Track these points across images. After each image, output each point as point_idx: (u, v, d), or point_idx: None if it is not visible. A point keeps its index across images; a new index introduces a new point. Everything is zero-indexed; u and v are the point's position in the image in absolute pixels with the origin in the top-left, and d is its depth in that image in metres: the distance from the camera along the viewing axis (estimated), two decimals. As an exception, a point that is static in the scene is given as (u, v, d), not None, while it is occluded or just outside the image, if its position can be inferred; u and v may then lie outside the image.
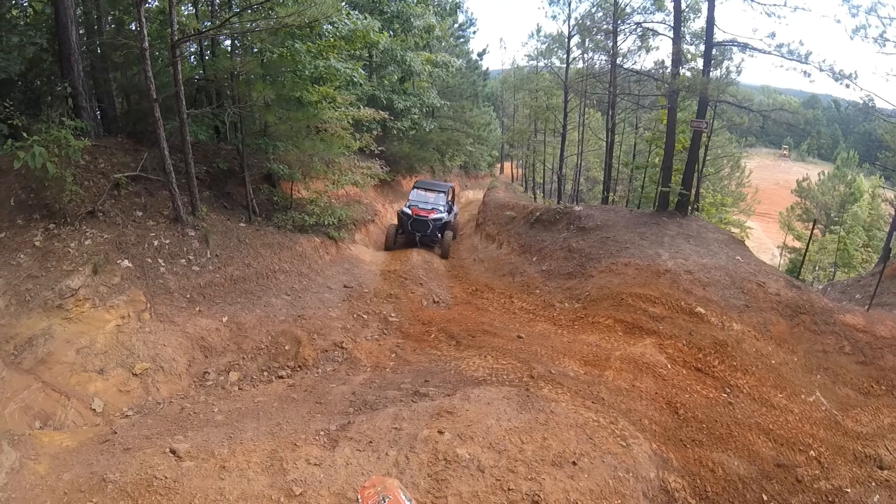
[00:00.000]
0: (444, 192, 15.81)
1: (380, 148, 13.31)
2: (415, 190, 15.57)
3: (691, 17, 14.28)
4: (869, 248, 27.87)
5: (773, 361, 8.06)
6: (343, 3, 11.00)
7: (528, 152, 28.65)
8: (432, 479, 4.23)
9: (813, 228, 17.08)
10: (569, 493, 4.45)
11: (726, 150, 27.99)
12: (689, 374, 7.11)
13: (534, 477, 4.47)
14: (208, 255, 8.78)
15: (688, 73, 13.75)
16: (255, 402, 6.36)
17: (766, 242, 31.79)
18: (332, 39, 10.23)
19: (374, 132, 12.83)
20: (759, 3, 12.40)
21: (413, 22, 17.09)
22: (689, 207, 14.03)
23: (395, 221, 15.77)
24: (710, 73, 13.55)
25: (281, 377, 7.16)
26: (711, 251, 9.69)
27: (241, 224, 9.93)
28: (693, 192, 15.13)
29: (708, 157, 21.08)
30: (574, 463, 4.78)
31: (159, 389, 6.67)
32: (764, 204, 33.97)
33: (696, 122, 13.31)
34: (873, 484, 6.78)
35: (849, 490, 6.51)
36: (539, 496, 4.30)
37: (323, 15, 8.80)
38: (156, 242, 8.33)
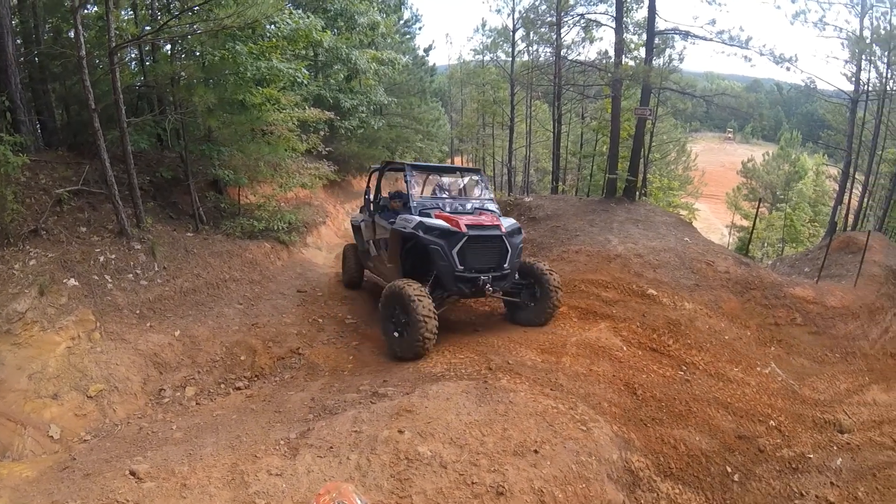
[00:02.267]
0: (478, 176, 9.29)
1: (328, 148, 13.12)
2: (411, 174, 8.25)
3: (634, 7, 14.67)
4: (816, 223, 29.18)
5: (726, 337, 8.30)
6: (286, 3, 10.82)
7: (478, 146, 28.87)
8: (395, 479, 4.20)
9: (759, 207, 17.70)
10: (532, 481, 4.48)
11: (672, 135, 28.81)
12: (645, 354, 7.25)
13: (497, 468, 4.48)
14: (156, 269, 8.54)
15: (631, 63, 14.10)
16: (213, 416, 6.22)
17: (715, 223, 32.91)
18: (273, 40, 10.05)
19: (322, 132, 12.68)
20: (698, -11, 12.80)
21: (357, 19, 16.92)
22: (637, 193, 14.39)
23: (350, 233, 11.48)
24: (653, 62, 13.90)
25: (238, 388, 7.02)
26: (660, 234, 9.95)
27: (189, 234, 9.67)
28: (640, 177, 15.51)
29: (654, 143, 21.63)
30: (536, 451, 4.80)
31: (116, 411, 6.49)
32: (711, 186, 35.14)
33: (640, 110, 13.65)
34: (835, 448, 7.10)
35: (811, 456, 6.77)
36: (503, 487, 4.31)
37: (263, 15, 8.65)
38: (101, 258, 8.06)
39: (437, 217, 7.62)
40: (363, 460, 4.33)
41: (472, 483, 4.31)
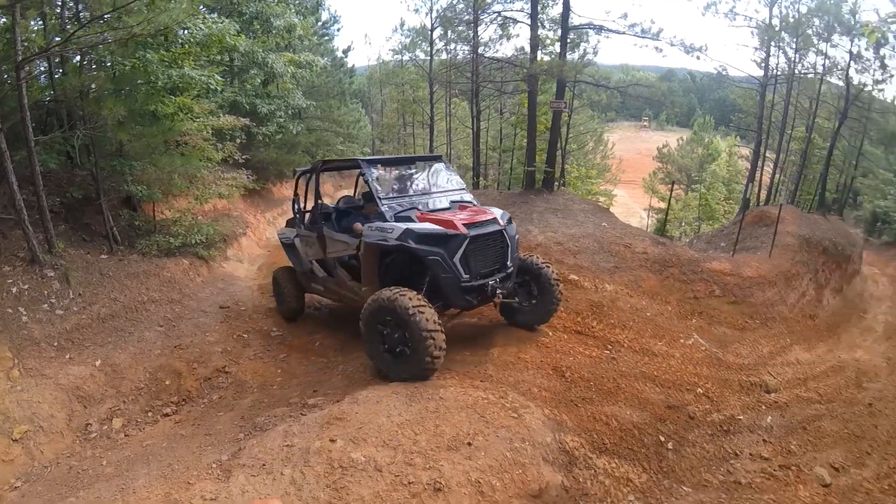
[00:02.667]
0: (442, 164, 8.11)
1: (245, 156, 12.76)
2: (371, 171, 7.05)
3: (549, 4, 15.04)
4: (730, 201, 31.12)
5: (648, 314, 8.68)
6: (199, 7, 10.42)
7: (399, 146, 28.86)
8: (331, 489, 4.17)
9: (672, 189, 18.50)
10: (469, 473, 4.54)
11: (589, 126, 29.87)
12: (571, 338, 7.49)
13: (432, 465, 4.52)
14: (71, 296, 8.07)
15: (546, 58, 14.49)
16: (143, 446, 5.99)
17: (634, 207, 34.32)
18: (186, 46, 9.65)
19: (238, 140, 12.32)
20: (608, -17, 13.37)
21: (273, 22, 16.50)
22: (556, 183, 14.81)
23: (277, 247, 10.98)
24: (568, 56, 14.34)
25: (167, 415, 6.76)
26: (578, 221, 10.31)
27: (103, 256, 9.18)
28: (558, 168, 16.00)
29: (571, 135, 22.33)
30: (469, 444, 4.86)
31: (43, 452, 6.11)
32: (629, 172, 36.67)
33: (556, 103, 14.04)
34: (763, 407, 7.53)
35: (741, 417, 7.14)
36: (440, 483, 4.35)
37: (175, 21, 8.32)
38: (14, 289, 7.59)
39: (423, 220, 6.44)
40: (297, 474, 4.28)
41: (409, 483, 4.32)
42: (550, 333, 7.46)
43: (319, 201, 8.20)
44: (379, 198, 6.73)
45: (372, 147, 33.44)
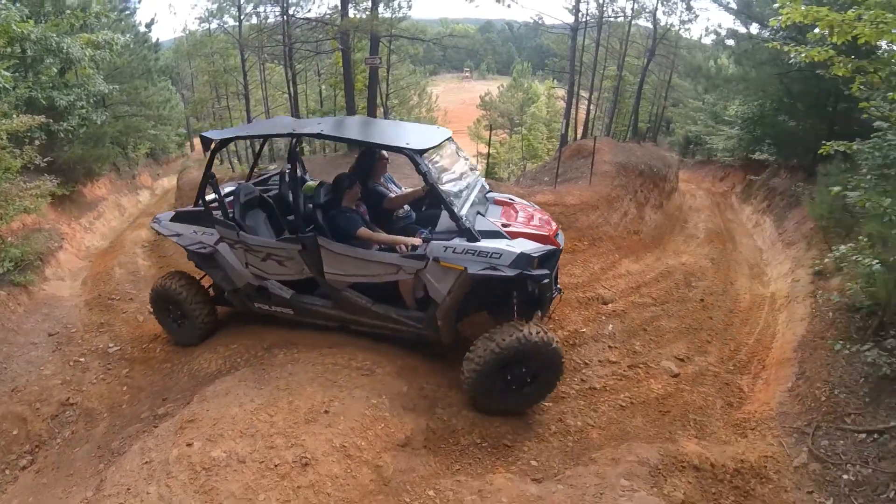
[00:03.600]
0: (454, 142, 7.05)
1: (47, 159, 11.45)
2: (425, 163, 5.64)
3: None
4: (553, 139, 33.48)
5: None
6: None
7: (215, 122, 27.31)
8: (200, 493, 4.24)
9: (491, 134, 19.50)
10: (332, 440, 4.74)
11: (410, 80, 30.12)
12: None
13: (294, 443, 4.67)
14: None
15: (361, 15, 14.49)
16: (8, 510, 5.56)
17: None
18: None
19: (37, 141, 11.08)
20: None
21: (66, 1, 14.75)
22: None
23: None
24: (384, 12, 14.49)
25: (24, 468, 6.26)
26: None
27: None
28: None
29: (391, 91, 22.56)
30: (326, 412, 5.05)
31: None
32: (454, 122, 37.85)
33: (370, 59, 14.28)
34: (603, 317, 8.42)
35: (584, 330, 7.96)
36: (306, 457, 4.54)
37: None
38: None
39: (515, 235, 5.69)
40: (163, 489, 4.29)
41: (276, 465, 4.46)
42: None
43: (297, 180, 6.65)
44: (453, 209, 5.54)
45: (187, 127, 31.16)
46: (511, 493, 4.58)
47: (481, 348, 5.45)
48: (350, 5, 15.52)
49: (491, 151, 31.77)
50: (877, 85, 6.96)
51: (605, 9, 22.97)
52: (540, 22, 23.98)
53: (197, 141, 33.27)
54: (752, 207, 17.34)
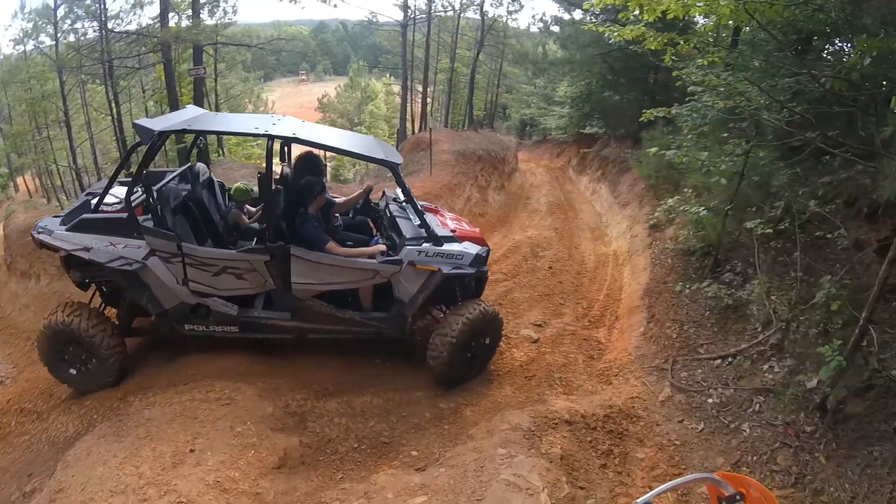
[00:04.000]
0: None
1: None
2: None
3: None
4: (394, 136, 33.44)
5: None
6: None
7: (37, 155, 24.10)
8: None
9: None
10: (204, 478, 4.39)
11: (243, 88, 28.93)
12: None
13: (167, 489, 4.28)
14: None
15: (184, 24, 13.57)
16: None
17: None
18: None
19: None
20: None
21: None
22: (216, 155, 14.32)
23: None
24: (208, 19, 13.66)
25: None
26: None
27: None
28: (216, 137, 15.46)
29: (222, 101, 21.46)
30: (192, 451, 4.68)
31: None
32: (293, 128, 36.90)
33: (194, 70, 13.39)
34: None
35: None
36: (182, 501, 4.17)
37: None
38: None
39: (462, 237, 6.32)
40: None
41: None
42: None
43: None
44: (418, 209, 6.23)
45: (9, 165, 27.09)
46: (396, 487, 4.46)
47: (453, 324, 5.86)
48: (171, 14, 14.36)
49: (333, 155, 31.29)
50: (689, 55, 7.56)
51: (433, 4, 23.42)
52: (374, 20, 23.96)
53: (22, 179, 29.61)
54: (588, 177, 18.55)
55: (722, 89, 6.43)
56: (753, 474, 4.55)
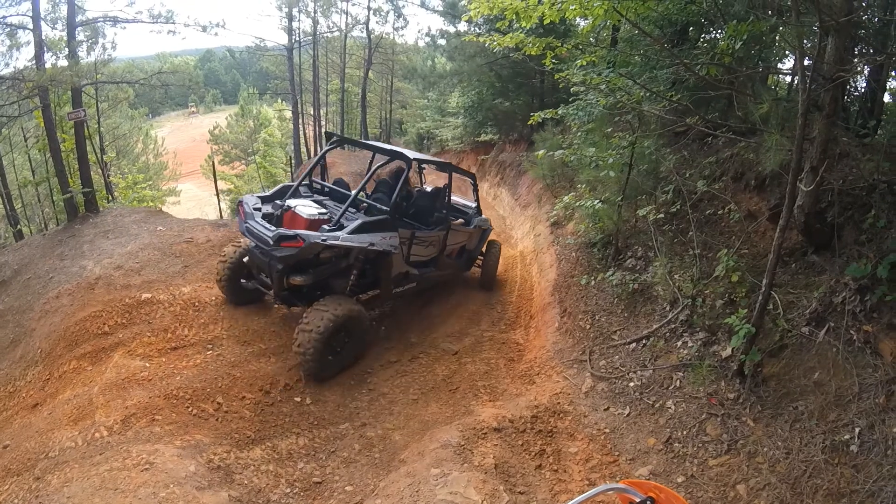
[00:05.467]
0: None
1: None
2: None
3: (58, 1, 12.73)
4: (293, 160, 32.61)
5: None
6: None
7: None
8: None
9: (214, 166, 18.35)
10: None
11: (131, 126, 27.47)
12: (169, 358, 6.91)
13: None
14: None
15: (63, 62, 12.55)
16: None
17: (205, 196, 33.28)
18: None
19: None
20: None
21: None
22: (106, 201, 13.38)
23: None
24: (89, 57, 12.79)
25: None
26: (133, 235, 9.44)
27: None
28: (102, 184, 14.46)
29: (107, 143, 20.22)
30: None
31: None
32: (188, 163, 35.26)
33: (73, 114, 12.39)
34: (373, 322, 8.01)
35: None
36: None
37: None
38: None
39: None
40: None
41: None
42: (148, 365, 6.75)
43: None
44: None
45: None
46: (333, 527, 4.24)
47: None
48: (49, 54, 13.17)
49: (230, 187, 30.08)
50: (566, 57, 7.79)
51: (318, 26, 23.10)
52: (261, 44, 23.31)
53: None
54: (488, 183, 18.87)
55: (603, 87, 6.64)
56: (686, 448, 4.66)
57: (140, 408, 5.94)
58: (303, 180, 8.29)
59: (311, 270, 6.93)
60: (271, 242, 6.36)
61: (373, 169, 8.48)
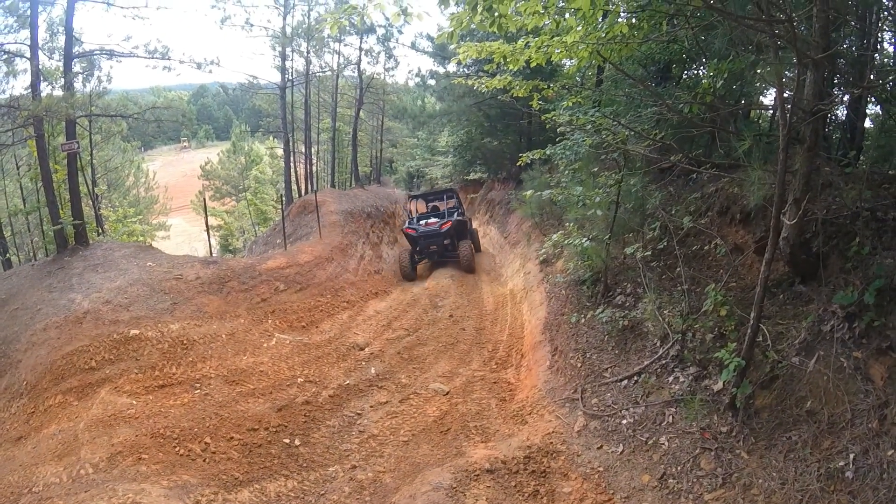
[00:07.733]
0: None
1: None
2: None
3: (57, 31, 12.77)
4: (283, 198, 32.57)
5: (223, 335, 8.52)
6: None
7: None
8: None
9: (205, 202, 18.28)
10: None
11: (123, 159, 27.50)
12: (157, 396, 6.85)
13: None
14: None
15: (58, 92, 12.57)
16: None
17: (194, 231, 33.12)
18: None
19: None
20: (119, 6, 12.26)
21: None
22: (96, 233, 13.30)
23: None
24: (84, 88, 12.89)
25: None
26: (122, 270, 9.36)
27: None
28: (92, 216, 14.39)
29: (99, 175, 20.23)
30: None
31: None
32: (178, 198, 35.11)
33: (67, 145, 12.38)
34: (363, 363, 8.30)
35: (349, 381, 7.73)
36: None
37: None
38: None
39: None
40: None
41: None
42: (135, 402, 6.67)
43: None
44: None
45: None
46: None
47: None
48: (45, 83, 13.22)
49: (220, 223, 30.00)
50: (552, 98, 7.98)
51: (310, 66, 23.44)
52: (255, 82, 23.53)
53: None
54: (477, 221, 19.10)
55: (589, 126, 6.79)
56: (680, 483, 4.63)
57: (126, 446, 5.83)
58: (420, 219, 14.92)
59: (451, 236, 13.85)
60: (440, 230, 13.70)
61: (444, 200, 16.29)
